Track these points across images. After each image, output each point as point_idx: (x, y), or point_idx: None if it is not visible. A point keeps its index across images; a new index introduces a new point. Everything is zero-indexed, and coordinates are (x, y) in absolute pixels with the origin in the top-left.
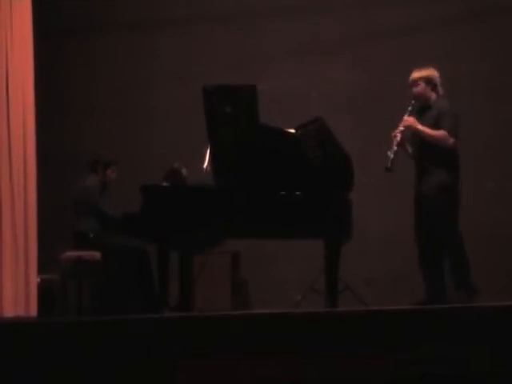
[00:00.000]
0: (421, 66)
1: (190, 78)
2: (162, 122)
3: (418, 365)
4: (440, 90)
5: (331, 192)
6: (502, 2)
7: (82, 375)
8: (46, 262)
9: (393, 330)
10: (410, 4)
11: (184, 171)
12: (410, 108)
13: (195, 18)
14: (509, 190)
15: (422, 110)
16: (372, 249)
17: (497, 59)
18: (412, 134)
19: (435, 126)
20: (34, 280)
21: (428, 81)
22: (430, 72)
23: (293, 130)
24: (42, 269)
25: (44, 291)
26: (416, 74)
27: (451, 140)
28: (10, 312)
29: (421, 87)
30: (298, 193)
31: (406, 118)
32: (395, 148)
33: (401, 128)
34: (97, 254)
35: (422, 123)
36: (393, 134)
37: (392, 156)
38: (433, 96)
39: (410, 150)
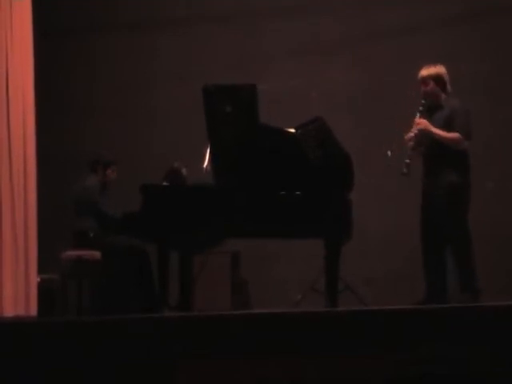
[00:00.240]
0: (421, 65)
1: (189, 78)
2: (162, 122)
3: (418, 365)
4: (449, 87)
5: (331, 192)
6: (502, 2)
7: (82, 375)
8: (45, 261)
9: (393, 330)
10: (410, 4)
11: (184, 171)
12: (420, 108)
13: (195, 18)
14: (509, 190)
15: (432, 109)
16: (372, 249)
17: (497, 59)
18: (422, 133)
19: (447, 126)
20: (34, 280)
21: (438, 79)
22: (439, 69)
23: (293, 130)
24: (42, 268)
25: (44, 291)
26: (425, 72)
27: (465, 143)
28: (10, 312)
29: (431, 86)
30: (297, 193)
31: (417, 120)
32: (410, 153)
33: (414, 132)
34: (97, 254)
35: (433, 123)
36: (405, 138)
37: (407, 161)
38: (443, 94)
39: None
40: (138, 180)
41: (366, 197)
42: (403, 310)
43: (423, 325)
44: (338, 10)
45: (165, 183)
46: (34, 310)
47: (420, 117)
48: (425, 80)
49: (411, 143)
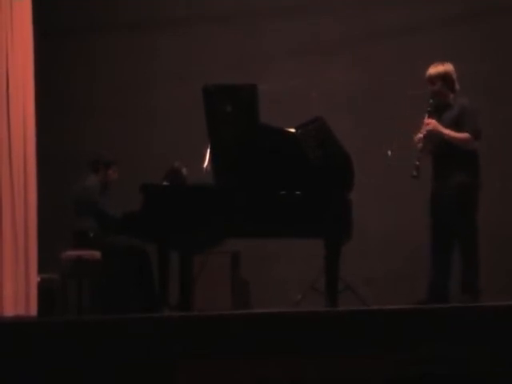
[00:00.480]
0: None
1: (189, 78)
2: (162, 122)
3: (418, 365)
4: (457, 86)
5: (331, 192)
6: (502, 2)
7: (82, 375)
8: (46, 261)
9: (393, 330)
10: (410, 4)
11: (184, 171)
12: (429, 108)
13: (195, 18)
14: (509, 190)
15: (441, 109)
16: (372, 249)
17: (497, 59)
18: (431, 133)
19: (456, 125)
20: (34, 279)
21: (446, 78)
22: (447, 68)
23: (293, 130)
24: (42, 268)
25: (44, 291)
26: (433, 71)
27: (475, 143)
28: (10, 311)
29: (439, 85)
30: (298, 192)
31: (426, 120)
32: (419, 155)
33: (424, 133)
34: (97, 254)
35: (442, 122)
36: (415, 139)
37: (417, 163)
38: (451, 93)
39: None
40: (138, 180)
41: (366, 197)
42: (403, 310)
43: (423, 325)
44: (338, 10)
45: (165, 183)
46: (34, 310)
47: (428, 117)
48: (432, 79)
49: (420, 144)
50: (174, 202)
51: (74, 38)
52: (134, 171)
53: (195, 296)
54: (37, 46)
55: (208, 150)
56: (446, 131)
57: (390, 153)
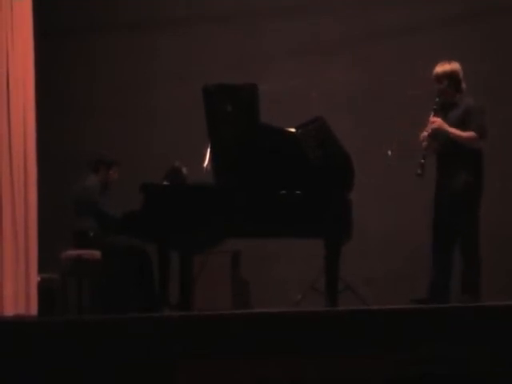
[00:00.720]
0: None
1: (189, 78)
2: (162, 122)
3: (418, 365)
4: (464, 85)
5: (331, 192)
6: (502, 2)
7: (82, 375)
8: (46, 261)
9: (393, 330)
10: (410, 4)
11: (184, 170)
12: (434, 106)
13: (195, 18)
14: (509, 190)
15: (447, 108)
16: (372, 249)
17: (497, 59)
18: (436, 132)
19: (462, 124)
20: (35, 279)
21: (452, 77)
22: (454, 66)
23: (293, 130)
24: (42, 268)
25: (44, 290)
26: (439, 70)
27: (481, 141)
28: (10, 311)
29: (445, 84)
30: (298, 192)
31: (432, 118)
32: (424, 153)
33: (428, 131)
34: (97, 253)
35: (448, 121)
36: (420, 137)
37: (422, 161)
38: (457, 93)
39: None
40: (138, 180)
41: (366, 197)
42: (403, 309)
43: (423, 325)
44: (338, 10)
45: (165, 183)
46: (34, 310)
47: (434, 115)
48: (439, 77)
49: (425, 143)
50: (174, 201)
51: (74, 38)
52: (133, 171)
53: (195, 296)
54: (37, 45)
55: (208, 150)
56: (452, 130)
57: (390, 153)
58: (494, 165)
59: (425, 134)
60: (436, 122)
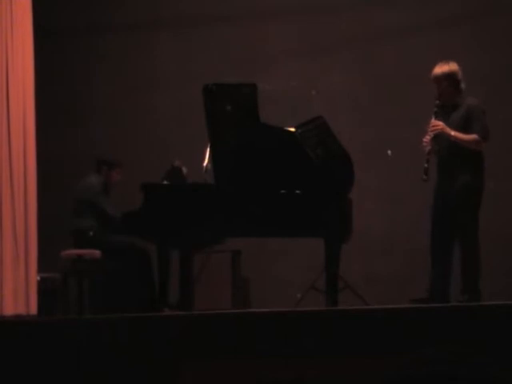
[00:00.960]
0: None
1: (189, 78)
2: (162, 122)
3: (419, 365)
4: (463, 85)
5: (331, 191)
6: (502, 2)
7: (82, 375)
8: (46, 260)
9: (393, 330)
10: (410, 4)
11: (184, 169)
12: (435, 109)
13: (195, 18)
14: (509, 190)
15: (448, 109)
16: (373, 248)
17: (497, 59)
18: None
19: (464, 126)
20: (34, 278)
21: (451, 77)
22: (452, 67)
23: (293, 129)
24: (42, 267)
25: (44, 290)
26: (438, 71)
27: (483, 143)
28: (10, 310)
29: (444, 85)
30: (297, 191)
31: (433, 122)
32: (427, 157)
33: (431, 135)
34: (97, 253)
35: (450, 123)
36: (423, 142)
37: (426, 166)
38: (457, 93)
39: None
40: (137, 180)
41: (367, 196)
42: (404, 309)
43: (423, 325)
44: (339, 10)
45: (165, 182)
46: (34, 309)
47: (435, 118)
48: (438, 79)
49: (428, 147)
50: (173, 201)
51: (74, 38)
52: (133, 171)
53: (196, 295)
54: (37, 46)
55: (208, 149)
56: (454, 133)
57: (390, 152)
58: (494, 165)
59: (427, 138)
60: (438, 125)
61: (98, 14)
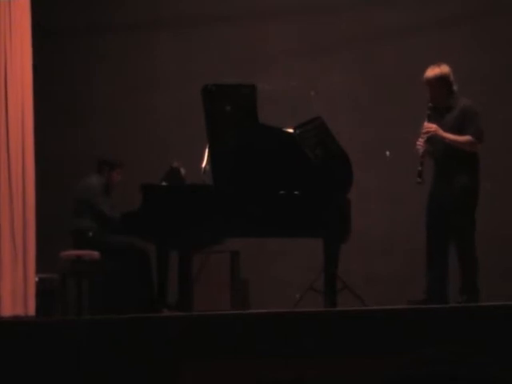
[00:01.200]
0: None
1: (189, 78)
2: (162, 122)
3: (419, 365)
4: (455, 87)
5: (329, 191)
6: (502, 2)
7: (81, 375)
8: (44, 261)
9: (393, 330)
10: (410, 4)
11: (182, 170)
12: (428, 112)
13: (195, 18)
14: (509, 190)
15: (442, 111)
16: (373, 248)
17: (497, 59)
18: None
19: (458, 128)
20: (33, 279)
21: (442, 80)
22: (444, 69)
23: (291, 130)
24: (40, 268)
25: (43, 290)
26: (429, 74)
27: (478, 145)
28: (8, 311)
29: (437, 88)
30: (296, 192)
31: (426, 124)
32: (421, 160)
33: (424, 138)
34: (95, 254)
35: (444, 125)
36: (416, 144)
37: (420, 168)
38: (450, 95)
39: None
40: (137, 180)
41: (367, 197)
42: (403, 309)
43: (423, 325)
44: (339, 9)
45: (163, 183)
46: (32, 310)
47: (429, 121)
48: (430, 82)
49: (422, 149)
50: (172, 201)
51: (74, 38)
52: (133, 171)
53: (194, 296)
54: (37, 46)
55: (206, 150)
56: (448, 135)
57: (388, 153)
58: (494, 165)
59: (420, 140)
60: (431, 128)
61: (98, 14)
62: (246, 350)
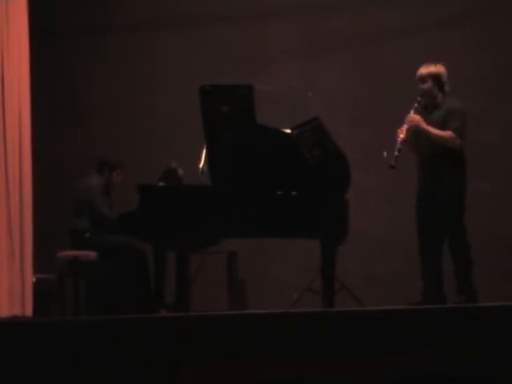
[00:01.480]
0: (421, 65)
1: (189, 78)
2: (162, 122)
3: (419, 365)
4: (447, 88)
5: (327, 192)
6: (502, 2)
7: (79, 376)
8: (42, 261)
9: (393, 330)
10: (410, 4)
11: (180, 171)
12: (415, 105)
13: (195, 18)
14: (509, 190)
15: (430, 109)
16: (372, 248)
17: (497, 59)
18: (418, 132)
19: (444, 126)
20: (30, 280)
21: (436, 78)
22: (439, 69)
23: (289, 131)
24: (38, 268)
25: (40, 291)
26: (424, 71)
27: (458, 141)
28: (5, 311)
29: (429, 85)
30: (293, 193)
31: (411, 115)
32: (399, 146)
33: (405, 126)
34: (93, 254)
35: (430, 122)
36: (398, 131)
37: (396, 153)
38: (440, 94)
39: (414, 147)
40: (137, 180)
41: (366, 197)
42: (403, 310)
43: (423, 325)
44: (338, 9)
45: (161, 183)
46: (29, 310)
47: (414, 113)
48: (423, 78)
49: (402, 136)
50: (169, 202)
51: (74, 38)
52: (133, 171)
53: (192, 296)
54: (37, 46)
55: (204, 150)
56: (428, 128)
57: (385, 154)
58: (494, 165)
59: (401, 129)
60: (414, 118)
61: (98, 14)
62: (246, 350)
